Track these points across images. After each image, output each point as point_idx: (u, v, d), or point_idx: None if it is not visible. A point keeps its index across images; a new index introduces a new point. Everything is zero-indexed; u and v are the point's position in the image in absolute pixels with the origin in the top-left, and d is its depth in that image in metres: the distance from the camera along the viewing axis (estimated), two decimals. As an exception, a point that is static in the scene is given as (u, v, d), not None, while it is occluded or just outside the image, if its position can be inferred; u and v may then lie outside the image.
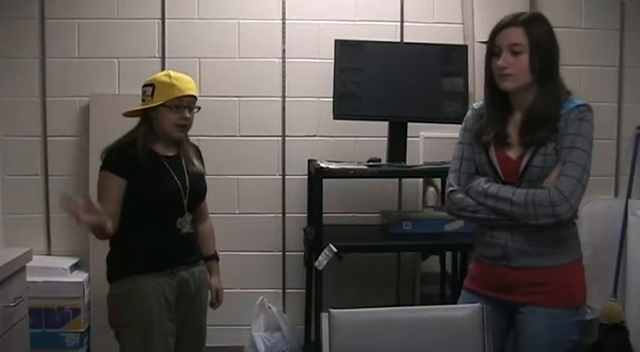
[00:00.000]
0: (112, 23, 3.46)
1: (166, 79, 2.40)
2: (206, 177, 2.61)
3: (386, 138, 3.19)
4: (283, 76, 3.52)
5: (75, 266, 3.40)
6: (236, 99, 3.51)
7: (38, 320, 3.18)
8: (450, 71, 3.18)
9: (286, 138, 3.55)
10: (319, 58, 3.48)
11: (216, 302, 2.66)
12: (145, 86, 2.46)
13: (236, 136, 3.53)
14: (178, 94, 2.38)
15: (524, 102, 2.00)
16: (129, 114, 2.49)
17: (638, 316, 3.42)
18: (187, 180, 2.44)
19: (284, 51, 3.52)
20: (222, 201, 3.51)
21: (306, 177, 3.42)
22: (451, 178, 2.10)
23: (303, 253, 3.41)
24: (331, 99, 3.12)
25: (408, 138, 3.19)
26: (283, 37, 3.51)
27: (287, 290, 3.59)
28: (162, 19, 3.47)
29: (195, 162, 2.53)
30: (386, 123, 3.19)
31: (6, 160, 3.47)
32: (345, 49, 3.10)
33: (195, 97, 2.45)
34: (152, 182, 2.36)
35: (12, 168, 3.48)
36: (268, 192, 3.56)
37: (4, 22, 3.42)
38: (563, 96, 2.01)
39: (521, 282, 1.98)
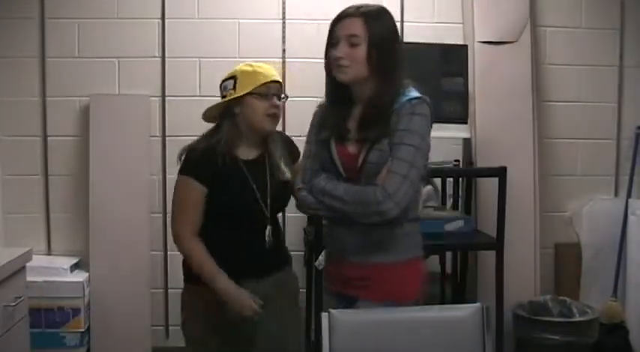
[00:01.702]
0: (112, 23, 3.46)
1: (248, 68, 2.25)
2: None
3: (386, 138, 3.19)
4: (283, 76, 3.52)
5: (75, 266, 3.40)
6: (236, 99, 3.51)
7: (38, 320, 3.18)
8: (450, 71, 3.18)
9: (286, 138, 3.55)
10: (320, 58, 3.42)
11: None
12: (224, 81, 2.30)
13: (236, 136, 3.53)
14: (264, 80, 2.21)
15: (364, 96, 1.96)
16: (209, 117, 2.33)
17: (638, 316, 3.42)
18: (269, 189, 2.24)
19: (284, 51, 3.52)
20: (222, 201, 3.51)
21: (306, 177, 3.41)
22: (298, 176, 2.08)
23: (303, 253, 3.41)
24: (331, 99, 3.12)
25: (408, 138, 3.18)
26: (283, 37, 3.51)
27: (287, 290, 3.59)
28: (162, 18, 3.47)
29: (282, 166, 2.28)
30: (386, 123, 3.18)
31: (6, 160, 3.47)
32: (345, 49, 3.09)
33: (280, 84, 2.29)
34: (229, 192, 2.19)
35: (12, 168, 3.48)
36: (268, 192, 3.55)
37: (4, 22, 3.42)
38: (401, 91, 1.94)
39: (355, 277, 1.99)
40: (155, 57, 3.48)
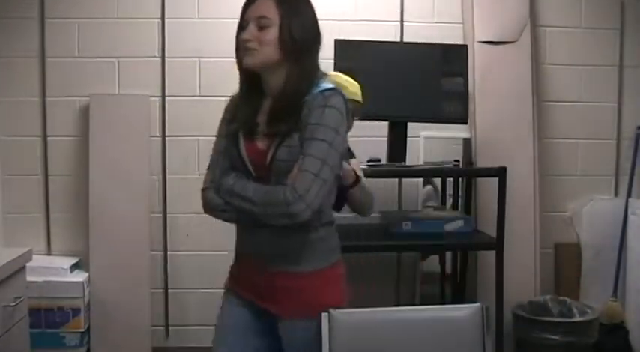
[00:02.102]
0: (112, 23, 3.46)
1: None
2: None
3: (386, 138, 3.19)
4: (283, 76, 3.52)
5: (75, 266, 3.40)
6: (236, 99, 3.51)
7: (38, 319, 3.17)
8: (450, 71, 3.17)
9: (286, 138, 3.55)
10: (319, 58, 3.46)
11: None
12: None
13: (236, 136, 3.53)
14: None
15: (275, 86, 1.78)
16: None
17: (638, 316, 3.42)
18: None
19: (284, 51, 3.51)
20: (222, 201, 3.51)
21: (306, 177, 3.41)
22: (205, 175, 1.91)
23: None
24: (331, 99, 3.11)
25: (408, 138, 3.19)
26: (283, 37, 3.50)
27: (287, 290, 3.59)
28: (162, 18, 3.47)
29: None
30: (386, 123, 3.19)
31: (6, 160, 3.47)
32: (345, 49, 3.10)
33: None
34: None
35: (12, 168, 3.48)
36: (268, 192, 3.55)
37: (4, 22, 3.42)
38: (315, 81, 1.76)
39: (268, 286, 1.82)
40: (155, 57, 3.48)
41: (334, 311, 1.82)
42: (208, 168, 1.91)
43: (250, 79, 1.82)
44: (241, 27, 1.79)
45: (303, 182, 1.67)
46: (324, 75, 1.82)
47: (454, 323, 1.89)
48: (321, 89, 1.74)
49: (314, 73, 1.79)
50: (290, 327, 1.83)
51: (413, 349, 1.85)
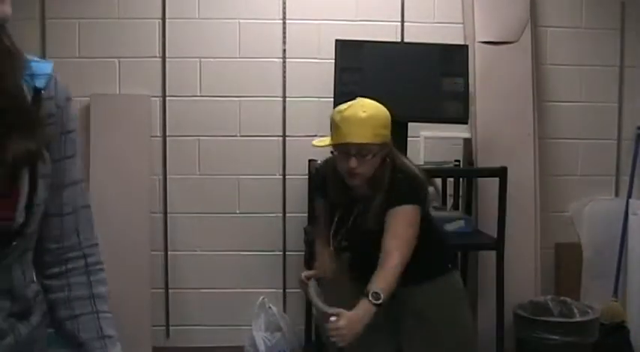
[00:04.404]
0: (113, 23, 3.46)
1: (336, 116, 2.10)
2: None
3: (386, 138, 3.19)
4: (284, 76, 3.52)
5: (75, 266, 3.40)
6: (236, 99, 3.51)
7: (38, 320, 3.17)
8: (450, 71, 3.17)
9: (287, 138, 3.55)
10: (320, 58, 3.48)
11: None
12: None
13: (236, 136, 3.53)
14: (339, 141, 2.07)
15: None
16: None
17: (639, 316, 3.42)
18: (345, 228, 2.23)
19: (284, 51, 3.52)
20: (222, 201, 3.51)
21: (307, 177, 3.42)
22: None
23: (303, 253, 3.41)
24: (332, 99, 3.11)
25: (408, 138, 3.19)
26: (284, 37, 3.51)
27: (287, 291, 3.59)
28: (163, 18, 3.47)
29: (373, 215, 2.11)
30: (386, 123, 3.18)
31: (6, 160, 3.46)
32: (346, 49, 3.10)
33: (367, 144, 2.06)
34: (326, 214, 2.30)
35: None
36: (269, 192, 3.55)
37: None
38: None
39: None
40: (156, 57, 3.48)
41: None
42: None
43: None
44: None
45: None
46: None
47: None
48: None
49: None
50: None
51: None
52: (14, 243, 1.00)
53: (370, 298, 1.96)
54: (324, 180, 2.26)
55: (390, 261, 2.05)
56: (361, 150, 2.06)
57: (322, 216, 2.32)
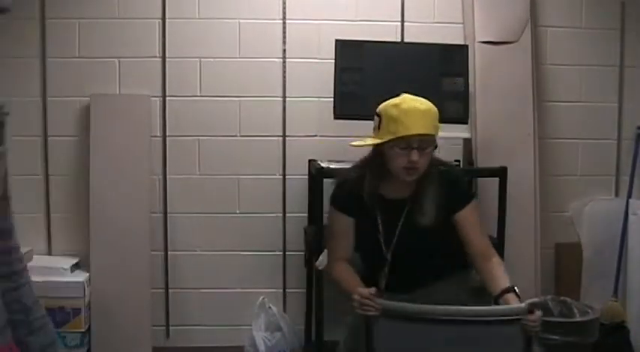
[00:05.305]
0: (112, 23, 3.46)
1: (393, 111, 2.08)
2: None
3: (386, 138, 3.19)
4: (284, 76, 3.52)
5: (75, 266, 3.40)
6: (236, 99, 3.51)
7: (38, 320, 3.17)
8: (450, 71, 3.17)
9: (287, 138, 3.55)
10: (320, 58, 3.47)
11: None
12: (375, 114, 2.17)
13: (236, 136, 3.53)
14: (404, 133, 2.04)
15: None
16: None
17: (639, 316, 3.42)
18: (397, 235, 2.18)
19: (284, 51, 3.51)
20: (222, 201, 3.51)
21: (307, 177, 3.42)
22: None
23: (303, 253, 3.41)
24: (332, 99, 3.12)
25: (408, 138, 3.19)
26: (284, 37, 3.51)
27: (287, 290, 3.59)
28: (163, 18, 3.47)
29: (429, 210, 2.13)
30: (386, 123, 3.18)
31: (6, 160, 3.46)
32: (346, 49, 3.10)
33: (428, 135, 2.08)
34: (360, 230, 2.20)
35: (12, 168, 3.44)
36: (268, 192, 3.55)
37: (4, 23, 3.42)
38: None
39: None
40: (156, 57, 3.48)
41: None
42: None
43: None
44: None
45: None
46: None
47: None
48: None
49: None
50: None
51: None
52: None
53: (517, 291, 2.00)
54: (349, 197, 2.19)
55: (494, 257, 2.13)
56: (422, 142, 2.05)
57: (346, 237, 2.22)
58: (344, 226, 2.22)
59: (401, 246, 2.17)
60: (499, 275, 2.07)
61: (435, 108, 2.15)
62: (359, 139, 2.24)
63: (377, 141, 2.11)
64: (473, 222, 2.16)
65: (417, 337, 1.94)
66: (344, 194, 2.21)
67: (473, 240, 2.15)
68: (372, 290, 1.97)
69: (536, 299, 1.98)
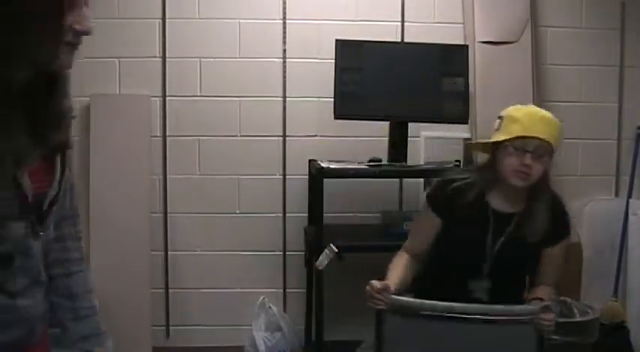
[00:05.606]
0: (113, 23, 3.45)
1: (517, 113, 2.06)
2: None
3: (387, 138, 3.19)
4: (284, 76, 3.52)
5: (75, 266, 3.40)
6: (236, 99, 3.51)
7: (38, 320, 3.17)
8: (451, 71, 3.17)
9: (287, 138, 3.55)
10: (320, 58, 3.48)
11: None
12: (497, 117, 2.14)
13: (236, 136, 3.53)
14: (521, 134, 2.00)
15: None
16: (476, 147, 2.19)
17: (639, 316, 3.42)
18: (498, 247, 2.10)
19: (285, 51, 3.52)
20: (223, 201, 3.51)
21: (307, 177, 3.42)
22: None
23: (303, 253, 3.41)
24: (332, 99, 3.12)
25: (408, 138, 3.19)
26: (284, 37, 3.51)
27: (287, 290, 3.59)
28: (163, 18, 3.47)
29: (540, 228, 2.08)
30: (387, 123, 3.19)
31: (6, 160, 3.46)
32: (346, 49, 3.10)
33: (548, 143, 2.03)
34: (458, 235, 2.12)
35: (12, 168, 3.47)
36: (269, 192, 3.55)
37: (5, 22, 3.42)
38: None
39: None
40: (156, 57, 3.48)
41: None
42: None
43: None
44: None
45: None
46: None
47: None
48: None
49: None
50: None
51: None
52: (49, 217, 1.24)
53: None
54: (447, 199, 2.13)
55: (549, 289, 2.16)
56: (538, 148, 2.02)
57: (425, 235, 2.19)
58: (429, 224, 2.18)
59: (500, 259, 2.11)
60: (539, 290, 2.14)
61: (560, 123, 2.12)
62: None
63: (495, 139, 2.08)
64: (557, 260, 2.17)
65: (427, 334, 1.95)
66: (442, 194, 2.15)
67: (545, 271, 2.18)
68: (384, 284, 1.99)
69: (548, 302, 1.99)
